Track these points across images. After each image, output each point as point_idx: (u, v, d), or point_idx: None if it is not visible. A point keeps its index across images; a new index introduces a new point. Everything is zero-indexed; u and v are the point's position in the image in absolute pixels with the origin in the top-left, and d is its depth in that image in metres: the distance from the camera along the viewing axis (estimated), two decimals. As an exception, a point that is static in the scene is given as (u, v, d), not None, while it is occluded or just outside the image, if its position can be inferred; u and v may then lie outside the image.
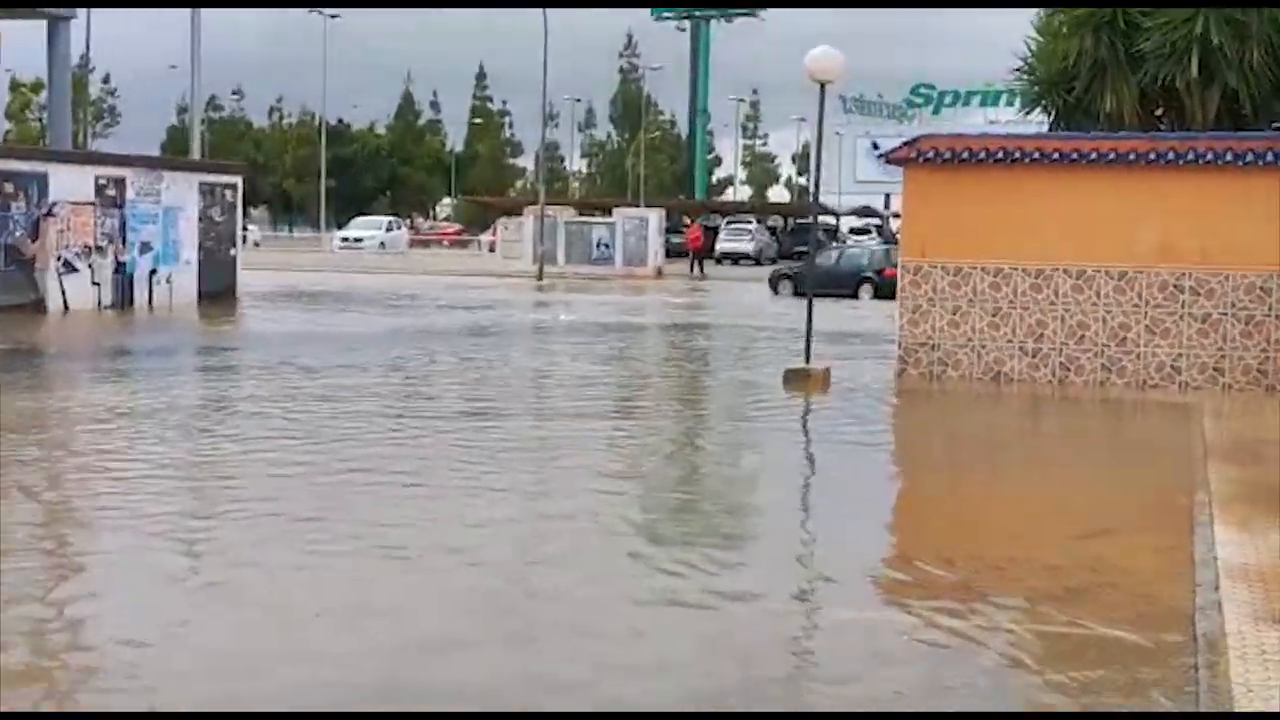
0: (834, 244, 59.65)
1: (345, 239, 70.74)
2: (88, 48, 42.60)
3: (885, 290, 37.79)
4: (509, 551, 9.00)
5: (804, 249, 56.54)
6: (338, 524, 9.53)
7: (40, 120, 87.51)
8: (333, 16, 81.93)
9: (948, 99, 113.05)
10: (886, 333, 24.20)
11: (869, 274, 39.72)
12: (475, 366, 19.90)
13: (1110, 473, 12.65)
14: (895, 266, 39.95)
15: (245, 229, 51.95)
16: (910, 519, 10.88)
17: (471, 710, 6.20)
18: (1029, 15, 23.58)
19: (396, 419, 14.45)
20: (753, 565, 8.92)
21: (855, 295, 38.71)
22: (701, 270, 54.74)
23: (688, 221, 71.65)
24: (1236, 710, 6.00)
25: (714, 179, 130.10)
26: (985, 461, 13.38)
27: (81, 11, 36.45)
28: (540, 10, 52.81)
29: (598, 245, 53.68)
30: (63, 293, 27.88)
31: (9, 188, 26.96)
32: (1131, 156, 17.89)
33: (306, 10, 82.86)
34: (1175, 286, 17.87)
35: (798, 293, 39.86)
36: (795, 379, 17.81)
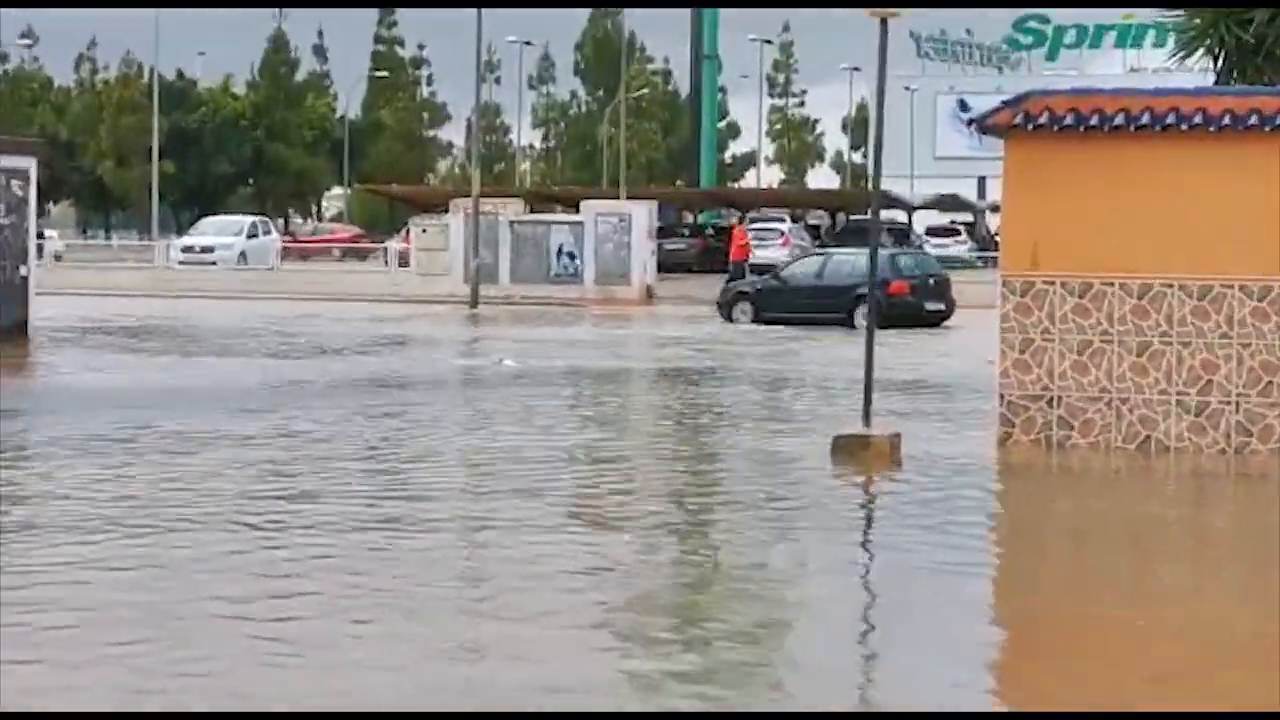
0: (817, 248, 60.06)
1: (189, 249, 70.95)
2: None
3: (893, 314, 37.67)
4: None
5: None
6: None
7: None
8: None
9: (1068, 37, 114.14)
10: (973, 377, 24.19)
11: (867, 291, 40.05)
12: (372, 441, 19.83)
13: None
14: (904, 278, 41.77)
15: (42, 235, 52.08)
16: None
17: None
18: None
19: (257, 531, 14.28)
20: None
21: (850, 321, 38.88)
22: None
23: (732, 221, 71.93)
24: None
25: (728, 157, 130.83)
26: (1151, 595, 13.25)
27: None
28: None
29: (559, 255, 53.90)
30: None
31: None
32: (1338, 120, 17.95)
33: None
34: (1404, 310, 17.91)
35: (760, 318, 40.59)
36: (849, 450, 17.77)
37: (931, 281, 41.74)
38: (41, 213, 63.67)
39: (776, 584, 12.90)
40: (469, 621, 11.03)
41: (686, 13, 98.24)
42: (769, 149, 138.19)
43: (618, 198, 69.05)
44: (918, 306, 40.04)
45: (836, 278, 41.30)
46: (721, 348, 34.70)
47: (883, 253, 46.35)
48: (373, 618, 10.87)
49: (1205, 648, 10.96)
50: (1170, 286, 18.40)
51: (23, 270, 33.12)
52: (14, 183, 33.03)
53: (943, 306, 41.16)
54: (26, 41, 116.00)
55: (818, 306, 39.74)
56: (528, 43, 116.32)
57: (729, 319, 41.56)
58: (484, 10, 53.08)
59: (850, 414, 18.97)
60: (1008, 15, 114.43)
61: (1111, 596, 12.54)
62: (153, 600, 11.34)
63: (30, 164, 34.02)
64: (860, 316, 39.32)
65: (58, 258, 69.74)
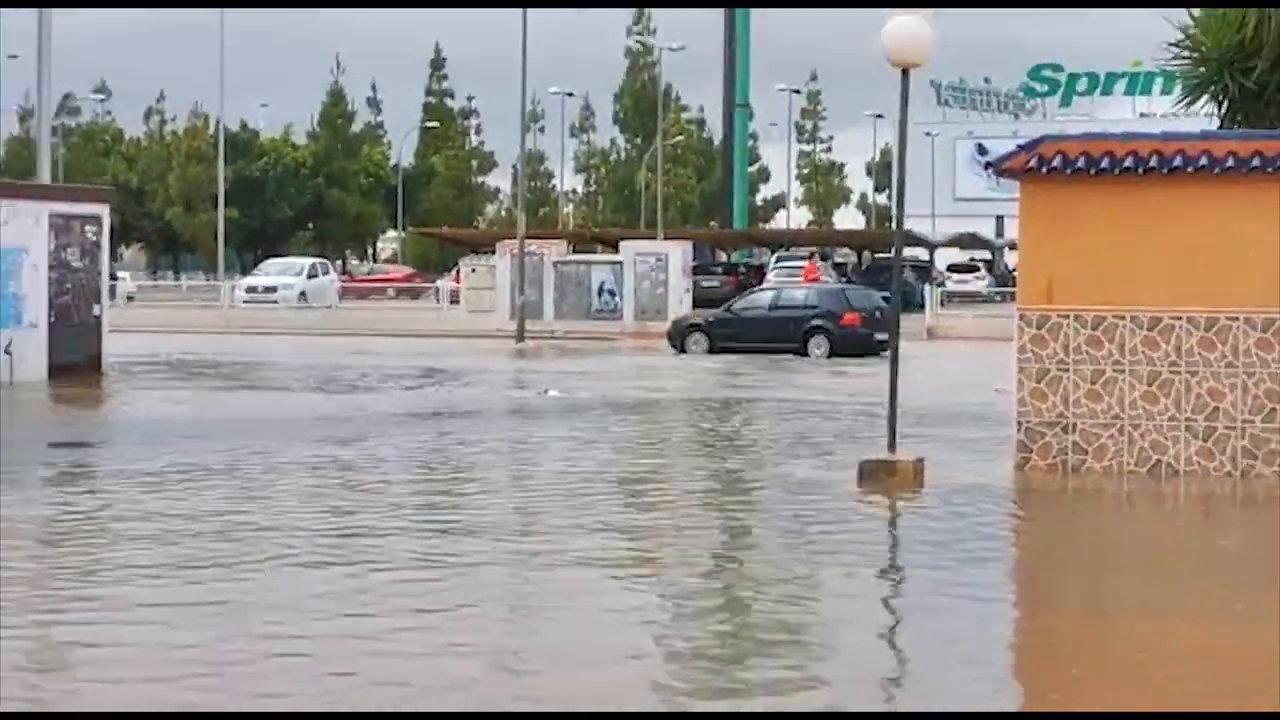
0: (768, 282, 60.48)
1: (253, 289, 71.13)
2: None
3: (844, 345, 39.57)
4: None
5: (885, 294, 56.88)
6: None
7: None
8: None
9: (1080, 85, 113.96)
10: (990, 406, 24.16)
11: (821, 322, 40.82)
12: (427, 473, 19.91)
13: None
14: (856, 311, 42.30)
15: (114, 277, 52.27)
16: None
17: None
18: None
19: (325, 555, 14.41)
20: None
21: (804, 351, 39.91)
22: None
23: (805, 257, 71.81)
24: None
25: (759, 199, 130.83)
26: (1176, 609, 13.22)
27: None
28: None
29: (600, 293, 53.95)
30: None
31: None
32: (1336, 161, 17.90)
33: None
34: (1401, 340, 17.83)
35: (715, 349, 40.73)
36: (875, 475, 17.75)
37: (878, 314, 42.17)
38: (114, 256, 64.09)
39: (823, 595, 12.89)
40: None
41: (720, 63, 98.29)
42: (798, 191, 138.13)
43: (655, 238, 69.05)
44: (868, 336, 40.89)
45: (789, 310, 42.10)
46: (747, 378, 34.61)
47: (834, 288, 46.79)
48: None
49: (1218, 660, 10.93)
50: (1178, 319, 18.35)
51: (96, 310, 33.23)
52: (88, 228, 33.16)
53: (882, 336, 41.23)
54: (99, 95, 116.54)
55: (771, 337, 40.33)
56: (569, 93, 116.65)
57: (681, 350, 41.80)
58: (528, 62, 53.22)
59: (870, 440, 18.91)
60: (1024, 64, 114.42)
61: (1125, 611, 12.50)
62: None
63: (103, 211, 34.15)
64: (814, 347, 39.88)
65: (130, 299, 70.01)
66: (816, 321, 40.91)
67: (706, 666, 10.31)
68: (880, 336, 40.59)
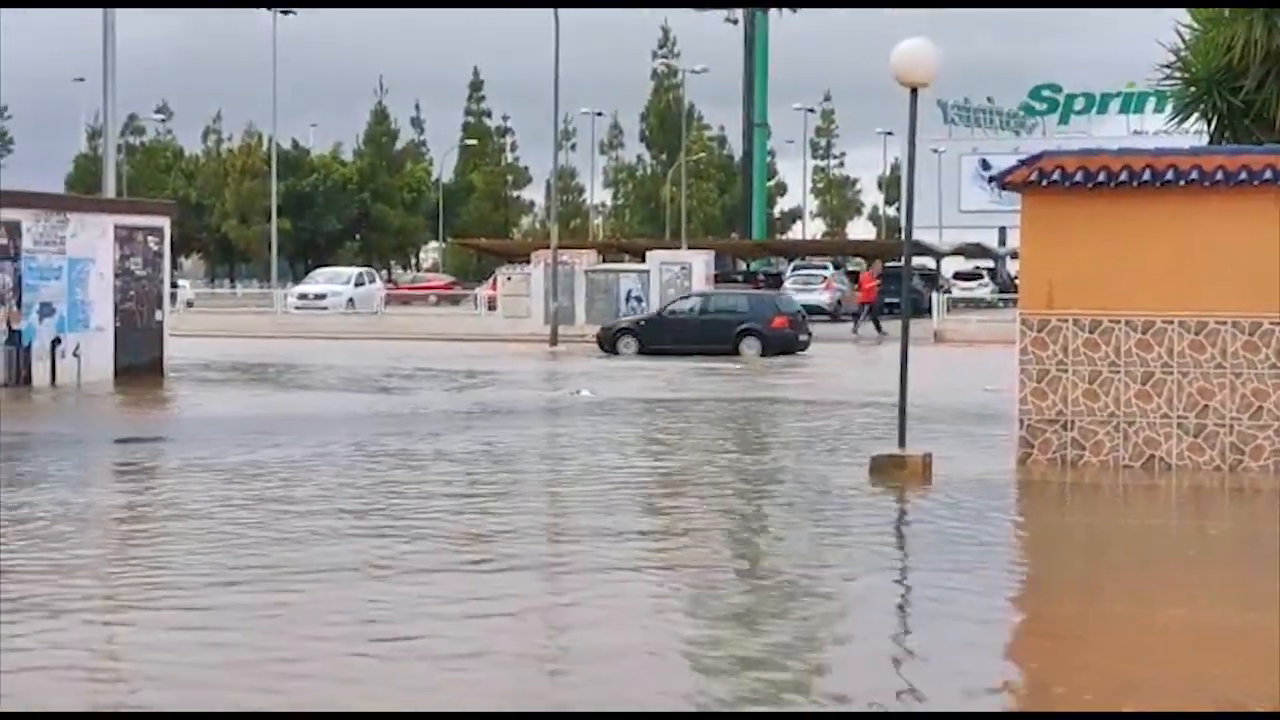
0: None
1: (304, 296, 71.27)
2: (-27, 57, 43.12)
3: (776, 345, 40.53)
4: None
5: (895, 300, 56.87)
6: None
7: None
8: (284, 12, 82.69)
9: (1078, 104, 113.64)
10: (990, 405, 24.16)
11: (753, 325, 41.44)
12: (468, 465, 19.93)
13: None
14: (785, 314, 42.92)
15: (175, 285, 52.34)
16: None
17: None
18: (1180, -6, 23.65)
19: (376, 525, 14.48)
20: None
21: (735, 352, 40.48)
22: (877, 326, 53.28)
23: (861, 267, 71.89)
24: None
25: (777, 211, 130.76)
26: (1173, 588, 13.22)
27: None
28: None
29: (628, 299, 53.88)
30: (-59, 370, 28.12)
31: (-128, 237, 27.23)
32: (1318, 174, 17.85)
33: (251, 7, 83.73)
34: (1380, 342, 17.78)
35: (645, 351, 41.12)
36: (885, 469, 17.76)
37: (800, 317, 43.40)
38: (174, 265, 64.14)
39: (840, 582, 12.92)
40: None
41: (739, 85, 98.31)
42: (813, 204, 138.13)
43: (679, 248, 68.99)
44: (794, 337, 41.99)
45: (720, 314, 42.59)
46: (773, 380, 34.58)
47: (763, 293, 47.11)
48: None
49: (1209, 642, 10.92)
50: (1170, 323, 18.31)
51: (158, 315, 33.35)
52: (150, 240, 33.27)
53: (806, 337, 42.83)
54: (161, 116, 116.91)
55: (704, 339, 40.72)
56: (599, 113, 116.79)
57: (613, 351, 42.03)
58: (560, 83, 53.27)
59: (880, 439, 18.92)
60: (1025, 84, 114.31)
61: (1122, 596, 12.50)
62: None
63: (164, 223, 34.27)
64: (745, 347, 40.32)
65: (189, 305, 70.12)
66: (749, 324, 41.46)
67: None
68: (802, 337, 42.35)
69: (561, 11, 52.71)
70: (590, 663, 9.84)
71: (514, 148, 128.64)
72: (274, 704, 8.79)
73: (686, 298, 46.86)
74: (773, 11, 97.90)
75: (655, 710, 7.21)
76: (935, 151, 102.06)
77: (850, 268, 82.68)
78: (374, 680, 9.25)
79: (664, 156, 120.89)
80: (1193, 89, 23.19)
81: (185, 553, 13.24)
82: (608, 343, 42.83)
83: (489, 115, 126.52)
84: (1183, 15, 23.32)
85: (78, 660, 9.90)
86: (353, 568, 12.54)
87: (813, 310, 65.29)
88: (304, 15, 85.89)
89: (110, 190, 41.29)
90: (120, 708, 8.90)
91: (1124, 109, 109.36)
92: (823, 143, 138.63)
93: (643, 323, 43.98)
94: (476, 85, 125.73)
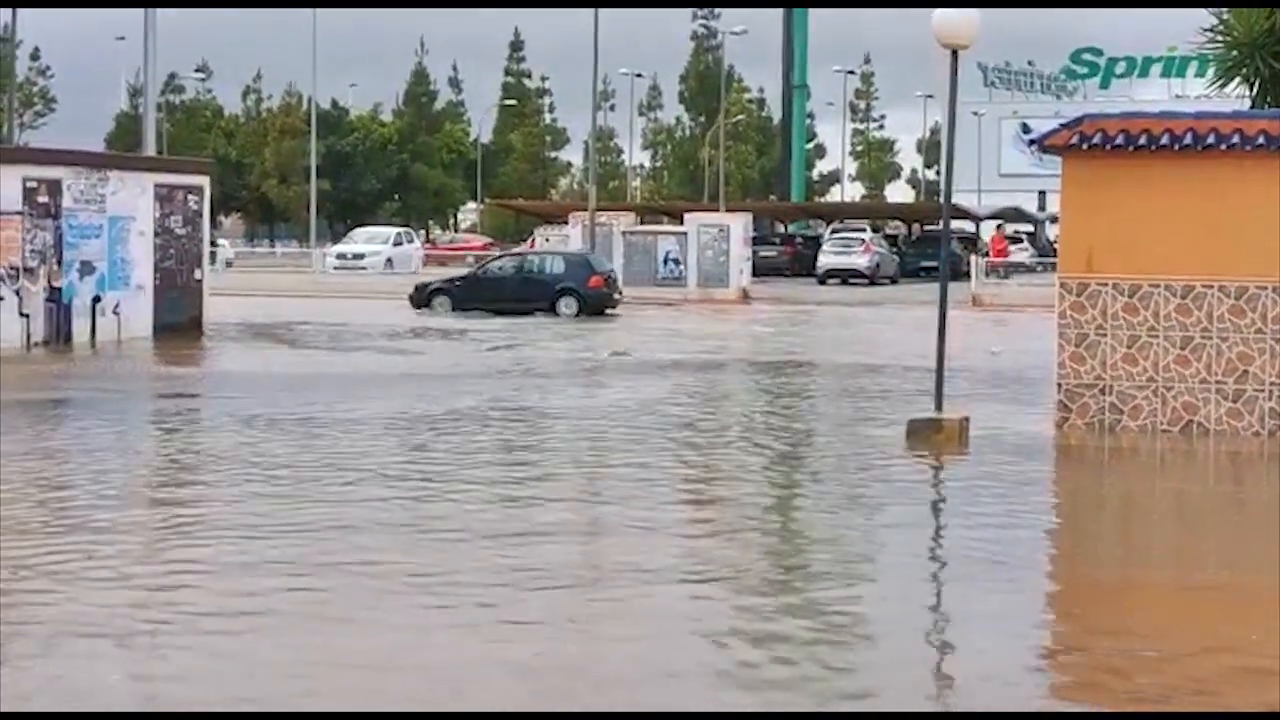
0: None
1: (342, 256, 71.31)
2: (13, 15, 43.25)
3: (592, 304, 41.62)
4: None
5: (933, 264, 56.81)
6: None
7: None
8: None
9: (1119, 68, 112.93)
10: (1032, 368, 24.10)
11: (570, 285, 42.28)
12: (503, 417, 20.01)
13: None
14: (599, 274, 43.55)
15: (214, 244, 52.52)
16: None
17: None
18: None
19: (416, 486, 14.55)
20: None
21: (553, 310, 41.38)
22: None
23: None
24: None
25: (815, 174, 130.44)
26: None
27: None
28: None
29: (665, 261, 53.85)
30: (-18, 327, 28.25)
31: (-86, 194, 27.37)
32: (1362, 139, 17.74)
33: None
34: None
35: (458, 309, 41.76)
36: (923, 433, 17.74)
37: (612, 277, 44.31)
38: (214, 225, 64.36)
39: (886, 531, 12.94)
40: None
41: (779, 46, 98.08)
42: (851, 167, 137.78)
43: (717, 210, 68.90)
44: (609, 295, 42.88)
45: (538, 274, 43.31)
46: (812, 341, 34.56)
47: (581, 254, 47.53)
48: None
49: (1241, 605, 10.90)
50: (1210, 288, 18.24)
51: (198, 274, 33.45)
52: (190, 199, 33.36)
53: (618, 296, 43.68)
54: (200, 75, 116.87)
55: (522, 298, 41.43)
56: (638, 74, 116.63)
57: (427, 308, 42.40)
58: (599, 45, 53.22)
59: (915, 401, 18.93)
60: (1066, 47, 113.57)
61: (1158, 560, 12.50)
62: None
63: (204, 182, 34.35)
64: (564, 306, 41.59)
65: (229, 264, 70.30)
66: (567, 284, 41.99)
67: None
68: (616, 296, 43.42)
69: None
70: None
71: (552, 109, 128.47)
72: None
73: (501, 258, 47.94)
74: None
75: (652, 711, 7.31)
76: (975, 114, 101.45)
77: (889, 231, 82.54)
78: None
79: (702, 119, 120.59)
80: (1235, 53, 23.05)
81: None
82: (421, 302, 43.24)
83: (528, 76, 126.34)
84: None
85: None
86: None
87: (851, 273, 65.57)
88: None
89: (150, 149, 41.40)
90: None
91: (1165, 73, 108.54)
92: (862, 105, 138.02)
93: (457, 282, 44.42)
94: (516, 45, 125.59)
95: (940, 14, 18.08)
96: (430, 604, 10.23)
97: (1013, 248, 78.00)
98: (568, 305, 41.63)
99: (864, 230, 75.57)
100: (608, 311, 42.07)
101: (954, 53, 18.31)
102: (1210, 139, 18.11)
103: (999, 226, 78.10)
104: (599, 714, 7.57)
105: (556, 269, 43.44)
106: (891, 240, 77.29)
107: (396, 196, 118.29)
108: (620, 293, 44.06)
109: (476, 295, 42.19)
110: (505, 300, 41.47)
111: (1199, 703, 8.42)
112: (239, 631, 9.55)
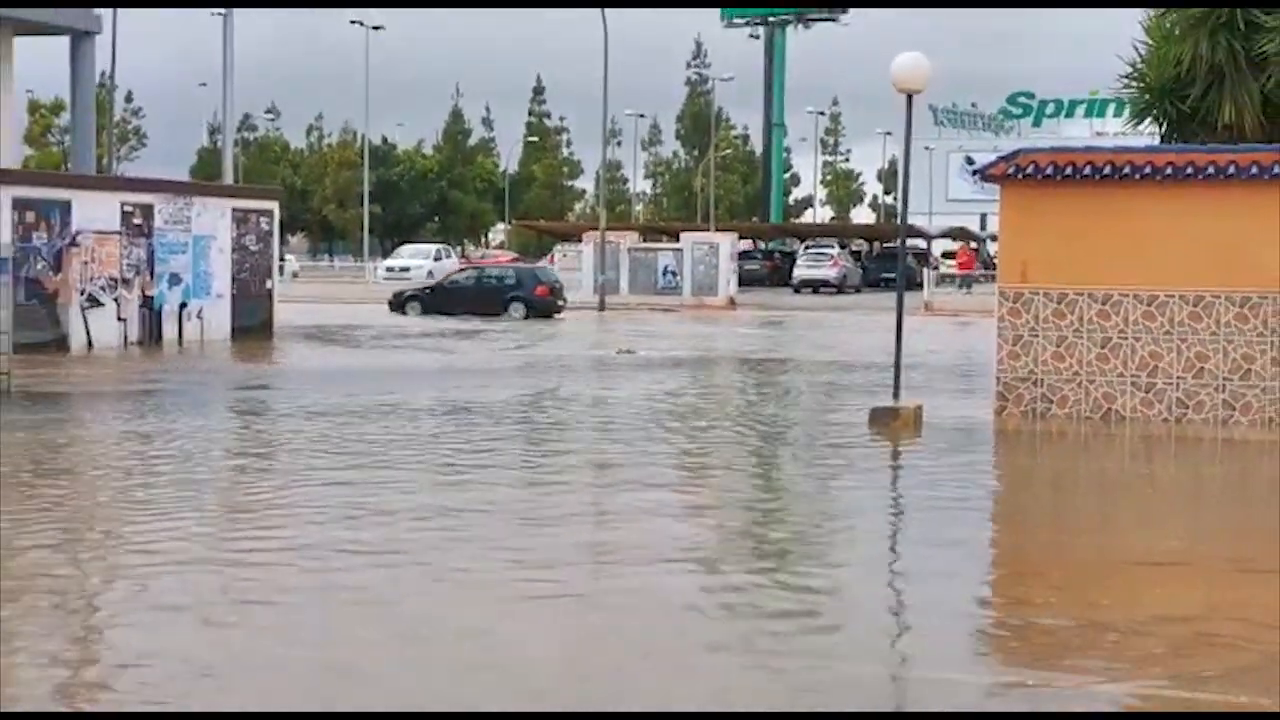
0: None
1: (391, 269, 71.23)
2: (113, 64, 43.23)
3: (540, 308, 41.90)
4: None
5: (892, 275, 56.68)
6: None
7: (61, 144, 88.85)
8: (375, 28, 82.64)
9: (1049, 109, 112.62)
10: (969, 364, 24.10)
11: (519, 294, 42.55)
12: (535, 404, 19.99)
13: (1248, 521, 12.48)
14: (545, 284, 43.52)
15: (282, 259, 52.47)
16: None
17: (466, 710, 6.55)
18: (1137, 15, 23.45)
19: (447, 462, 14.54)
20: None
21: (504, 313, 41.54)
22: (968, 288, 54.48)
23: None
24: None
25: (791, 199, 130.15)
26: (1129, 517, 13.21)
27: (104, 19, 36.88)
28: (599, 11, 53.20)
29: (664, 273, 53.79)
30: (86, 329, 28.24)
31: (30, 216, 27.36)
32: (1254, 170, 17.73)
33: (348, 22, 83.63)
34: (1305, 313, 17.67)
35: (428, 311, 42.16)
36: (883, 419, 17.75)
37: (557, 285, 44.02)
38: (282, 243, 64.30)
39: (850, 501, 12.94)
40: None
41: (761, 91, 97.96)
42: (822, 193, 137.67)
43: (709, 230, 68.82)
44: (554, 302, 42.82)
45: (491, 285, 43.42)
46: (789, 342, 34.53)
47: (528, 266, 47.62)
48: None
49: (1157, 565, 10.92)
50: (1126, 296, 18.24)
51: (268, 285, 33.45)
52: (262, 220, 33.36)
53: (562, 303, 43.38)
54: (270, 115, 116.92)
55: (479, 304, 41.79)
56: (641, 115, 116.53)
57: (401, 312, 42.74)
58: (609, 89, 53.20)
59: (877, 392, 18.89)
60: (1004, 91, 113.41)
61: (1083, 525, 12.49)
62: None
63: (274, 207, 34.36)
64: (513, 310, 41.80)
65: (295, 276, 70.30)
66: (516, 292, 42.33)
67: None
68: (560, 303, 43.18)
69: (610, 29, 52.62)
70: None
71: (569, 144, 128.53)
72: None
73: (463, 270, 47.79)
74: (789, 28, 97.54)
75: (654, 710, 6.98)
76: (927, 149, 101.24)
77: (854, 248, 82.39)
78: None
79: (695, 152, 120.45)
80: (1147, 96, 23.02)
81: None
82: (398, 306, 43.49)
83: (549, 116, 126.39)
84: (1139, 33, 23.13)
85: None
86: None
87: (821, 284, 65.50)
88: (393, 30, 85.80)
89: (228, 178, 41.46)
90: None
91: (1088, 113, 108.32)
92: (831, 140, 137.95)
93: (428, 290, 44.61)
94: (538, 90, 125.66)
95: (898, 65, 18.10)
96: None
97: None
98: (516, 310, 41.85)
99: (833, 247, 75.42)
100: (554, 316, 42.12)
101: (909, 96, 18.32)
102: (1127, 170, 18.12)
103: (968, 243, 77.42)
104: (599, 714, 6.96)
105: (509, 280, 43.67)
106: (856, 255, 77.19)
107: (437, 218, 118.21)
108: (565, 300, 43.87)
109: (443, 301, 42.60)
110: (465, 305, 41.81)
111: (1096, 604, 8.42)
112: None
